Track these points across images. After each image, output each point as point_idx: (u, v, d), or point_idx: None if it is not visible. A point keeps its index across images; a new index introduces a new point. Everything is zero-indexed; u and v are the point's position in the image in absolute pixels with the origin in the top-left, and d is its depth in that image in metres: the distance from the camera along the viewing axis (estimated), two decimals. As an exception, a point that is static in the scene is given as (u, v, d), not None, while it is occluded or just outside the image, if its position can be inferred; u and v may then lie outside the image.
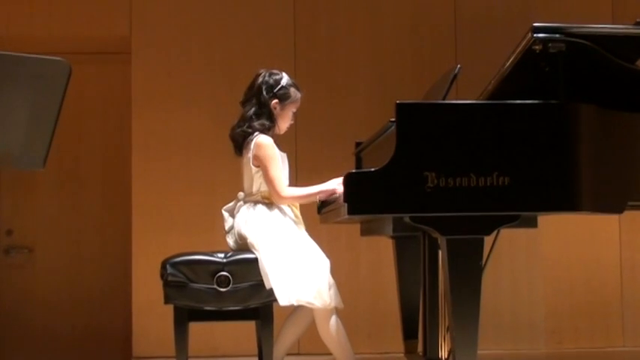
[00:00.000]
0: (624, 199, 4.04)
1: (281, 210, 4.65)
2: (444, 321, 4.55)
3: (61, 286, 7.15)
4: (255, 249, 4.51)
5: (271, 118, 4.67)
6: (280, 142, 4.76)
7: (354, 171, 3.94)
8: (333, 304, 4.51)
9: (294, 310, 4.70)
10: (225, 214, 4.77)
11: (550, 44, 3.88)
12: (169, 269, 4.52)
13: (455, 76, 4.27)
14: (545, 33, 3.88)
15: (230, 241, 4.72)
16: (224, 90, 6.60)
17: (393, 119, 3.86)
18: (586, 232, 6.80)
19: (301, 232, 4.63)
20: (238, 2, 6.91)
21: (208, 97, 6.76)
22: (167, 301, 4.55)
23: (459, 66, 4.31)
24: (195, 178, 6.71)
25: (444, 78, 4.48)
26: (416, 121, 3.80)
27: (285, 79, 4.72)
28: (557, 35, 3.89)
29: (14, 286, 7.14)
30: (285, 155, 4.72)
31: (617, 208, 4.05)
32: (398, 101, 3.81)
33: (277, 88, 4.67)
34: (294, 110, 4.76)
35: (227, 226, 4.76)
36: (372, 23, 6.96)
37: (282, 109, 4.69)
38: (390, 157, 3.76)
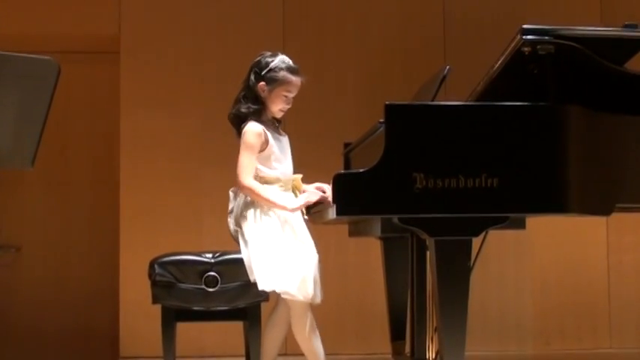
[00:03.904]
0: (612, 200, 4.05)
1: (281, 194, 4.52)
2: (431, 322, 4.56)
3: (49, 286, 7.14)
4: (243, 237, 4.46)
5: (258, 101, 4.53)
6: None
7: (342, 172, 3.94)
8: (317, 300, 4.42)
9: (273, 312, 4.62)
10: (231, 195, 4.61)
11: (539, 46, 3.88)
12: (157, 269, 4.51)
13: (444, 77, 4.28)
14: (534, 35, 3.89)
15: (230, 223, 4.63)
16: (213, 90, 6.60)
17: (382, 120, 3.86)
18: (573, 234, 6.82)
19: (295, 222, 4.49)
20: (229, 4, 6.91)
21: (197, 98, 6.75)
22: (155, 301, 4.54)
23: (447, 67, 4.31)
24: (183, 178, 6.70)
25: (433, 79, 4.49)
26: (405, 122, 3.80)
27: (276, 61, 4.56)
28: (546, 37, 3.90)
29: (1, 285, 7.12)
30: (284, 139, 4.59)
31: (604, 209, 4.06)
32: (387, 102, 3.81)
33: (265, 71, 4.52)
34: (288, 94, 4.54)
35: (229, 207, 4.65)
36: (361, 24, 6.96)
37: (270, 92, 4.51)
38: (379, 157, 3.76)
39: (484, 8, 6.99)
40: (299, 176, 4.57)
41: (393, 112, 3.81)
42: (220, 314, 4.58)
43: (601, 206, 4.02)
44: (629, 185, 4.07)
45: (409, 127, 3.80)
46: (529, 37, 3.88)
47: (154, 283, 4.52)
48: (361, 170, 3.78)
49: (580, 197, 3.87)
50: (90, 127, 7.26)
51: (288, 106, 4.57)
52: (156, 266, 4.53)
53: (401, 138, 3.78)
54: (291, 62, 4.58)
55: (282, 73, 4.53)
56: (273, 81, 4.51)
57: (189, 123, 6.72)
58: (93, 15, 6.89)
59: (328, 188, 4.35)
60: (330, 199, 4.05)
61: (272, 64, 4.54)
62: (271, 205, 4.40)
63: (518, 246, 6.81)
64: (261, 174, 4.48)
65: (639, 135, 4.08)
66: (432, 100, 4.20)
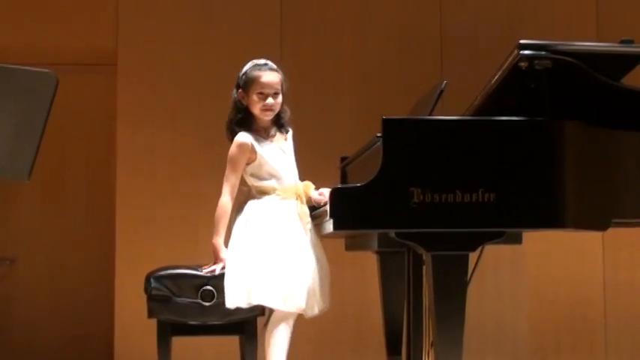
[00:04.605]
0: (609, 216, 4.04)
1: (272, 204, 4.46)
2: (427, 337, 4.55)
3: (43, 298, 7.12)
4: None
5: (242, 110, 4.51)
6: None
7: (339, 186, 3.94)
8: (310, 312, 4.36)
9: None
10: None
11: (536, 61, 3.89)
12: (153, 283, 4.50)
13: (441, 91, 4.28)
14: (531, 50, 3.89)
15: None
16: (210, 103, 6.60)
17: (380, 134, 3.87)
18: (569, 249, 6.82)
19: (287, 232, 4.40)
20: (226, 17, 6.92)
21: (194, 110, 6.75)
22: (150, 315, 4.53)
23: (445, 82, 4.32)
24: (179, 191, 6.70)
25: (430, 93, 4.49)
26: (402, 137, 3.80)
27: (248, 65, 4.54)
28: (544, 52, 3.90)
29: (-5, 297, 7.12)
30: (285, 145, 4.53)
31: (601, 225, 4.05)
32: (384, 117, 3.81)
33: (240, 79, 4.53)
34: (261, 91, 4.45)
35: None
36: (358, 39, 6.98)
37: (247, 96, 4.48)
38: (376, 172, 3.76)
39: (481, 23, 7.01)
40: (307, 183, 4.54)
41: (390, 126, 3.81)
42: (216, 328, 4.56)
43: (598, 221, 4.02)
44: (625, 200, 4.07)
45: (407, 141, 3.79)
46: (526, 52, 3.88)
47: (150, 297, 4.51)
48: (358, 184, 3.78)
49: (577, 212, 3.86)
50: (86, 139, 7.26)
51: (271, 107, 4.49)
52: (152, 280, 4.52)
53: (398, 152, 3.77)
54: (261, 61, 4.55)
55: (251, 73, 4.50)
56: (246, 84, 4.50)
57: (186, 136, 6.72)
58: (90, 27, 6.90)
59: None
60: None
61: (244, 70, 4.53)
62: (215, 239, 4.44)
63: (515, 260, 6.81)
64: (256, 184, 4.47)
65: (636, 150, 4.09)
66: (430, 115, 4.21)
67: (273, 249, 4.35)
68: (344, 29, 6.98)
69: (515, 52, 3.89)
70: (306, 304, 4.35)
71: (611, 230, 4.16)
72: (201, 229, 6.60)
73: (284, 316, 4.36)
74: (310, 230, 4.46)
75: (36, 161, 2.82)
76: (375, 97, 6.84)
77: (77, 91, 7.08)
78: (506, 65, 3.95)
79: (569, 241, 6.70)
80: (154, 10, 6.92)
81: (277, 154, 4.50)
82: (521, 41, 3.90)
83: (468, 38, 7.01)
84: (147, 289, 4.53)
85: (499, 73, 3.99)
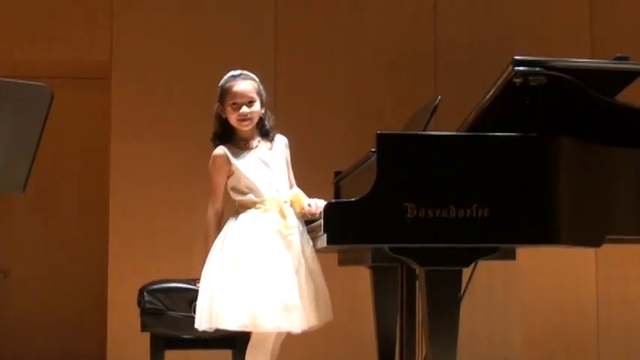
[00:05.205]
0: (602, 232, 4.05)
1: (249, 220, 4.29)
2: (421, 352, 4.54)
3: (36, 311, 7.11)
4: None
5: (222, 124, 4.43)
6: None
7: (333, 201, 3.94)
8: (288, 329, 4.17)
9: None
10: None
11: (530, 77, 3.89)
12: (146, 296, 4.51)
13: (435, 107, 4.29)
14: (525, 66, 3.89)
15: None
16: (204, 117, 6.57)
17: (374, 149, 3.86)
18: (563, 265, 6.83)
19: (261, 247, 4.20)
20: (220, 31, 6.93)
21: (188, 124, 6.75)
22: (144, 328, 4.53)
23: (439, 97, 4.33)
24: (173, 204, 6.70)
25: (424, 109, 4.50)
26: (396, 152, 3.80)
27: (223, 79, 4.44)
28: (538, 69, 3.90)
29: (-12, 310, 7.10)
30: (269, 155, 4.39)
31: (595, 241, 4.05)
32: (379, 132, 3.81)
33: (217, 94, 4.44)
34: (235, 101, 4.35)
35: None
36: (352, 53, 6.99)
37: (224, 109, 4.39)
38: (370, 187, 3.76)
39: (475, 35, 7.03)
40: (296, 193, 4.40)
41: (384, 141, 3.81)
42: (209, 342, 4.56)
43: (591, 238, 4.02)
44: (619, 217, 4.07)
45: (401, 156, 3.79)
46: (520, 68, 3.89)
47: (143, 311, 4.51)
48: (353, 199, 3.77)
49: (570, 228, 3.87)
50: (80, 152, 7.26)
51: (246, 116, 4.36)
52: (145, 294, 4.52)
53: (392, 167, 3.77)
54: (236, 72, 4.44)
55: (225, 85, 4.41)
56: (221, 96, 4.41)
57: (179, 149, 6.72)
58: (85, 41, 6.90)
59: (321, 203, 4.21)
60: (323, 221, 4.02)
61: (219, 84, 4.44)
62: (205, 250, 4.32)
63: (507, 275, 6.82)
64: (236, 198, 4.36)
65: (630, 167, 4.09)
66: (424, 130, 4.21)
67: (242, 268, 4.17)
68: (338, 43, 7.00)
69: (510, 67, 3.90)
70: (287, 321, 4.14)
71: (604, 246, 4.17)
72: (195, 242, 6.58)
73: (262, 337, 4.21)
74: (294, 242, 4.25)
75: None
76: (368, 111, 6.84)
77: (71, 104, 7.09)
78: (500, 81, 3.95)
79: (562, 256, 6.70)
80: (148, 24, 6.92)
81: (256, 165, 4.36)
82: (516, 57, 3.91)
83: (462, 52, 7.02)
84: (140, 302, 4.53)
85: (494, 89, 4.00)
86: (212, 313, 4.14)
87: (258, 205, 4.30)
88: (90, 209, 7.19)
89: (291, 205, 4.33)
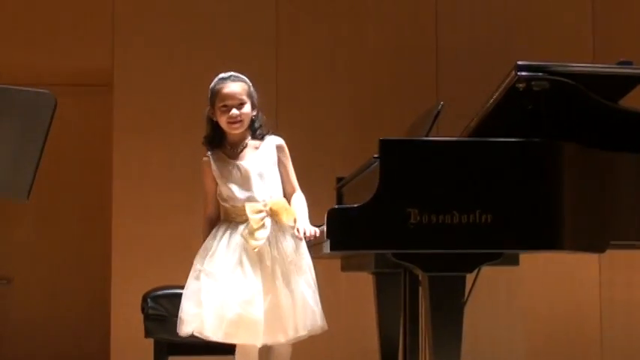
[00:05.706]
0: (606, 238, 4.04)
1: (221, 230, 4.23)
2: (423, 358, 4.53)
3: (40, 318, 7.11)
4: None
5: (213, 128, 4.34)
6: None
7: (336, 207, 3.93)
8: (269, 340, 4.11)
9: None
10: None
11: (534, 82, 3.89)
12: (150, 303, 4.50)
13: (438, 113, 4.28)
14: (528, 71, 3.89)
15: None
16: (205, 122, 6.59)
17: (377, 155, 3.85)
18: (566, 271, 6.82)
19: (223, 259, 4.12)
20: (221, 37, 6.93)
21: (189, 130, 6.72)
22: (147, 335, 4.53)
23: (441, 103, 4.32)
24: (176, 210, 6.69)
25: (426, 114, 4.49)
26: (399, 158, 3.79)
27: (213, 81, 4.34)
28: (541, 74, 3.91)
29: (-9, 317, 7.10)
30: (235, 163, 4.24)
31: (598, 247, 4.05)
32: (381, 138, 3.80)
33: (208, 97, 4.33)
34: (224, 103, 4.23)
35: None
36: (353, 58, 6.99)
37: (214, 112, 4.29)
38: (373, 193, 3.75)
39: (477, 43, 7.02)
40: (278, 202, 4.17)
41: (387, 147, 3.81)
42: (213, 348, 4.55)
43: (595, 243, 4.02)
44: (623, 222, 4.06)
45: (404, 162, 3.79)
46: (524, 73, 3.89)
47: (147, 317, 4.51)
48: (355, 205, 3.77)
49: (574, 234, 3.86)
50: (82, 159, 7.26)
51: (236, 118, 4.24)
52: (148, 300, 4.52)
53: (395, 173, 3.77)
54: (226, 74, 4.34)
55: (214, 87, 4.32)
56: (211, 99, 4.32)
57: (181, 155, 6.71)
58: (86, 48, 6.90)
59: (309, 228, 4.07)
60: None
61: (210, 87, 4.35)
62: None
63: (510, 280, 6.80)
64: (222, 205, 4.28)
65: (633, 172, 4.09)
66: (426, 136, 4.21)
67: (203, 279, 4.13)
68: (339, 47, 6.99)
69: (513, 73, 3.90)
70: (244, 333, 4.06)
71: (607, 252, 4.16)
72: (198, 247, 6.58)
73: (242, 349, 4.15)
74: (263, 254, 4.09)
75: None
76: (370, 117, 6.84)
77: (73, 111, 7.09)
78: (503, 86, 3.95)
79: (565, 262, 6.69)
80: (149, 31, 6.92)
81: (235, 175, 4.23)
82: (519, 62, 3.91)
83: (464, 56, 7.01)
84: (143, 308, 4.53)
85: (496, 94, 4.00)
86: (178, 318, 4.13)
87: (233, 215, 4.21)
88: (92, 215, 7.19)
89: (274, 214, 4.15)
